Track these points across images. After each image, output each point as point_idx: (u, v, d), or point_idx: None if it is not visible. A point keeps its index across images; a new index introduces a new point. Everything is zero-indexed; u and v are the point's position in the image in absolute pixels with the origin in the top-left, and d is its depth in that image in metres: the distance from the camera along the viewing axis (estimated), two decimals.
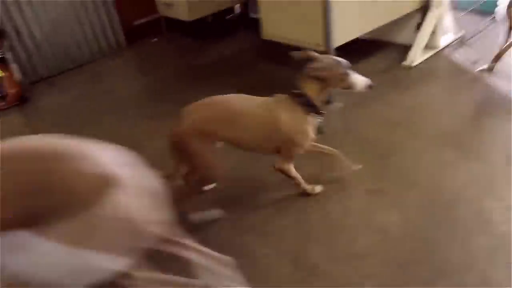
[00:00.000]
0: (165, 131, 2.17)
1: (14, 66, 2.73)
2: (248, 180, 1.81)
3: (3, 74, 2.65)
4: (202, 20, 3.41)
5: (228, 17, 3.78)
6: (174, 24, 3.44)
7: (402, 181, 1.68)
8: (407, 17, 2.59)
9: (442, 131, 1.93)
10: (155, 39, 3.52)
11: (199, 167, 1.45)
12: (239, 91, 1.53)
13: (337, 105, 2.16)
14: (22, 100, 2.75)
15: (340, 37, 2.15)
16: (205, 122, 1.41)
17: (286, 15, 2.24)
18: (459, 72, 2.40)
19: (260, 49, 3.06)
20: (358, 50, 2.77)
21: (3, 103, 2.68)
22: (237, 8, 3.86)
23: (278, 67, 2.70)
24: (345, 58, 1.51)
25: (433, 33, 2.53)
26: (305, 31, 2.20)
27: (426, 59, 2.52)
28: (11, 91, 2.69)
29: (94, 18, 3.26)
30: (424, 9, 2.55)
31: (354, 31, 2.28)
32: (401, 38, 2.77)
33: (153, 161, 1.00)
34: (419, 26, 2.55)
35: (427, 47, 2.56)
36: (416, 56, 2.48)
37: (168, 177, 1.47)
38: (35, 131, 2.36)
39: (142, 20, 3.60)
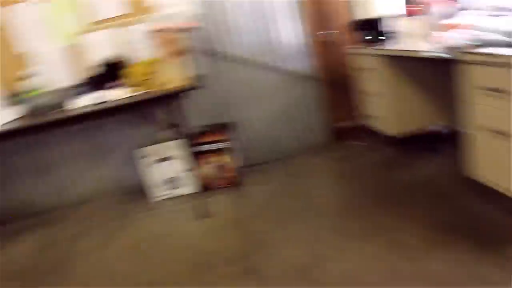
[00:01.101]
0: (355, 254, 1.96)
1: (237, 155, 3.38)
2: None
3: (228, 160, 3.30)
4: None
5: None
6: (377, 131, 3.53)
7: None
8: None
9: None
10: (360, 143, 3.68)
11: None
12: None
13: None
14: (235, 183, 3.33)
15: None
16: None
17: (497, 158, 2.02)
18: None
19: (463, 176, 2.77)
20: None
21: (222, 183, 3.32)
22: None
23: (482, 205, 2.29)
24: None
25: None
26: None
27: None
28: (229, 174, 3.31)
29: (305, 116, 3.72)
30: None
31: None
32: None
33: None
34: None
35: None
36: None
37: None
38: (239, 211, 2.79)
39: (344, 124, 3.86)
